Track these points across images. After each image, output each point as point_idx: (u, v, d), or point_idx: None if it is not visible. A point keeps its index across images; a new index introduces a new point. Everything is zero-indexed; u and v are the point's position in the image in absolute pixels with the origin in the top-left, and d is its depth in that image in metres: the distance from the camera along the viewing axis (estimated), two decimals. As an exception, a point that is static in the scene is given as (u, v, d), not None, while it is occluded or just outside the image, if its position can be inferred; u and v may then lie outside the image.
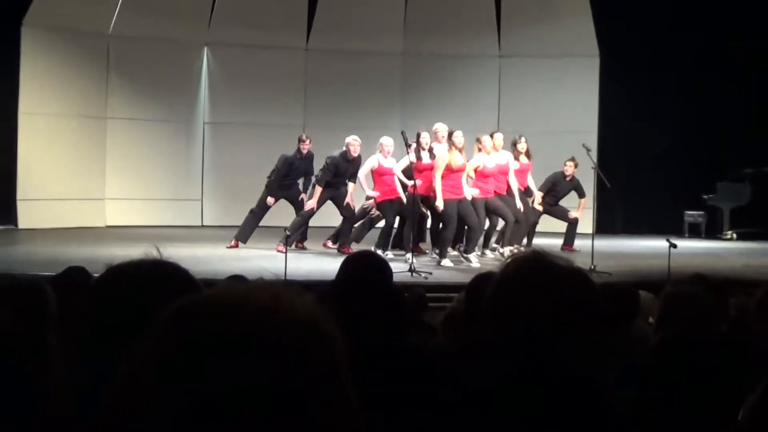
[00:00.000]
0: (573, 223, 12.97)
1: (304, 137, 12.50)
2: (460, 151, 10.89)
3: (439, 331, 4.39)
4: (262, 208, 12.31)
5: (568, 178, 12.89)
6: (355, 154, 11.80)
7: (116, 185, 15.57)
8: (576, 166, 12.76)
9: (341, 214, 12.06)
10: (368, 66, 16.61)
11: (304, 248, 12.21)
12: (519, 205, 11.69)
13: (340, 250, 11.56)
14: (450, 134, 11.00)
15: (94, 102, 15.40)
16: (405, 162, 11.39)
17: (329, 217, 12.54)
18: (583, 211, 12.93)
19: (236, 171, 15.79)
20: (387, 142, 11.53)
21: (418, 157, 11.12)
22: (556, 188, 12.97)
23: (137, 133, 15.72)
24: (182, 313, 0.96)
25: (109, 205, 15.56)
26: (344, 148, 11.86)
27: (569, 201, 13.15)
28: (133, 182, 15.68)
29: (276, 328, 0.94)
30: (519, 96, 16.45)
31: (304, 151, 12.39)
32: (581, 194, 12.94)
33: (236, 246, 12.17)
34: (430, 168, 11.07)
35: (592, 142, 14.31)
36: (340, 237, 12.04)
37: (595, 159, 12.00)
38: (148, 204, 15.76)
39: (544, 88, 16.31)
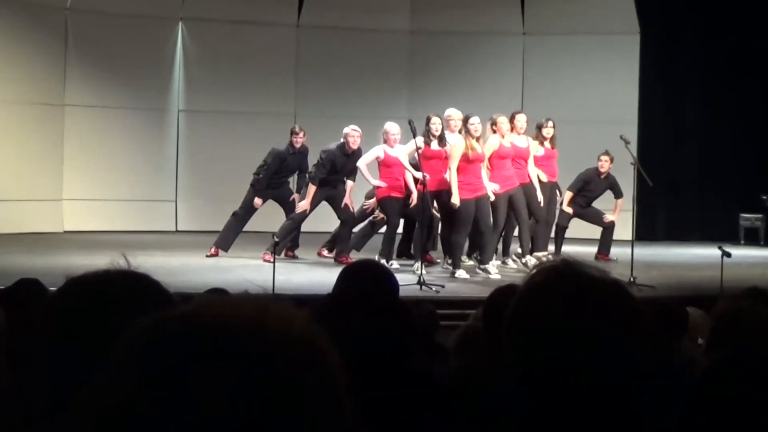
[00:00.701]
0: (609, 228, 12.96)
1: (297, 129, 12.49)
2: (476, 140, 10.87)
3: (452, 354, 4.40)
4: (247, 211, 12.31)
5: (602, 176, 12.89)
6: (355, 147, 11.79)
7: (76, 184, 15.58)
8: (612, 161, 12.76)
9: (338, 218, 12.06)
10: (370, 46, 16.62)
11: (295, 257, 12.22)
12: (540, 197, 11.63)
13: (337, 260, 11.56)
14: (465, 120, 10.99)
15: (50, 87, 15.41)
16: (411, 146, 11.30)
17: (325, 220, 12.55)
18: (620, 213, 12.92)
19: (216, 167, 15.80)
20: (392, 129, 11.50)
21: (426, 142, 11.06)
22: (589, 187, 12.97)
23: (100, 123, 15.73)
24: (155, 330, 0.96)
25: (68, 207, 15.57)
26: (342, 141, 11.85)
27: (604, 202, 13.14)
28: (95, 181, 15.69)
29: (264, 346, 0.94)
30: (545, 80, 16.44)
31: (297, 145, 12.37)
32: (618, 194, 12.94)
33: (216, 254, 12.18)
34: (439, 156, 11.04)
35: (631, 133, 14.31)
36: (338, 244, 12.03)
37: (634, 153, 11.99)
38: (113, 206, 15.76)
39: (575, 70, 16.30)
